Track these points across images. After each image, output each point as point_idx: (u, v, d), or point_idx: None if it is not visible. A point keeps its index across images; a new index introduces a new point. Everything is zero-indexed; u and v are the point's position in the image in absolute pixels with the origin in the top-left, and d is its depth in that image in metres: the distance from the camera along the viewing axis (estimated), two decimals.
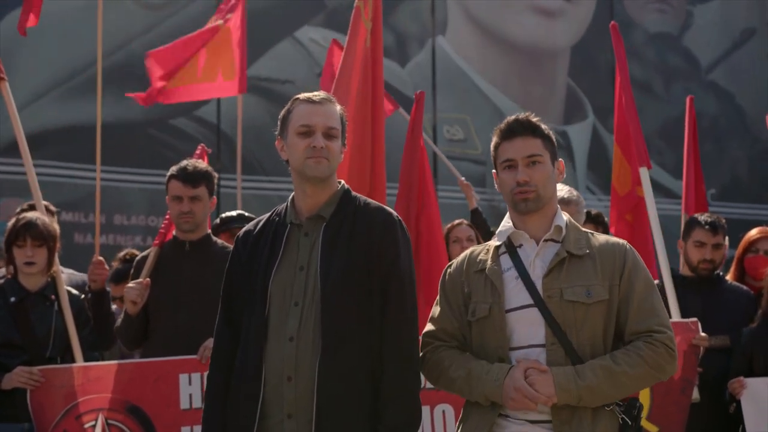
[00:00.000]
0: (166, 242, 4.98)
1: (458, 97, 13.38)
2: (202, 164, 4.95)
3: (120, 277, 6.01)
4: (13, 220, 4.86)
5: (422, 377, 3.42)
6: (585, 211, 5.05)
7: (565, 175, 3.40)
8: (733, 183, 14.77)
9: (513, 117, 3.36)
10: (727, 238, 5.52)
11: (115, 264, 6.29)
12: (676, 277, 5.36)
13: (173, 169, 4.87)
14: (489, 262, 3.30)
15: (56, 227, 4.96)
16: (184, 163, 4.89)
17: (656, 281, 5.11)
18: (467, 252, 3.45)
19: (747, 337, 5.13)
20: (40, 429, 4.62)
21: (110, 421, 4.62)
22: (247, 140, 12.72)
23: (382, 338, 3.24)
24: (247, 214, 6.00)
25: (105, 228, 11.08)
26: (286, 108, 3.42)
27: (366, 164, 5.33)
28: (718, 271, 5.44)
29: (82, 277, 5.32)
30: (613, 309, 3.20)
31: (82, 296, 5.05)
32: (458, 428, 3.35)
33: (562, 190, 4.56)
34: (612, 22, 6.03)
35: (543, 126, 3.34)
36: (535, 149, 3.30)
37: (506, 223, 3.35)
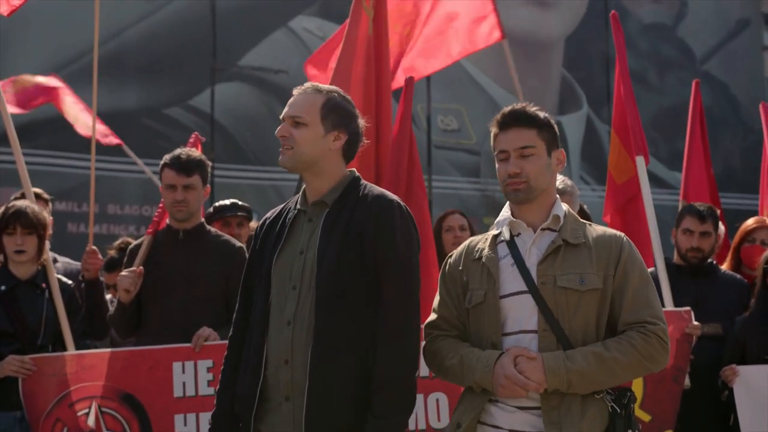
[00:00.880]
0: (159, 231, 4.97)
1: (452, 88, 13.36)
2: (196, 153, 4.95)
3: (114, 265, 6.00)
4: (2, 209, 4.85)
5: (420, 363, 3.41)
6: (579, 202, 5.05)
7: (564, 165, 3.39)
8: (727, 173, 14.79)
9: (509, 107, 3.36)
10: (721, 227, 5.53)
11: (111, 253, 6.29)
12: (670, 266, 5.37)
13: (167, 158, 4.86)
14: (486, 250, 3.32)
15: (46, 215, 4.95)
16: (177, 151, 4.88)
17: (651, 269, 5.13)
18: (467, 242, 3.47)
19: (740, 325, 5.15)
20: (32, 417, 4.61)
21: (104, 409, 4.62)
22: (241, 130, 12.73)
23: (378, 325, 3.24)
24: (240, 203, 6.00)
25: (99, 217, 11.06)
26: None
27: (371, 153, 5.36)
28: (711, 260, 5.46)
29: (77, 266, 5.31)
30: (606, 299, 3.21)
31: (72, 284, 5.04)
32: (454, 411, 3.37)
33: (557, 180, 4.56)
34: (612, 12, 6.04)
35: (541, 115, 3.34)
36: (527, 140, 3.30)
37: (505, 212, 3.38)
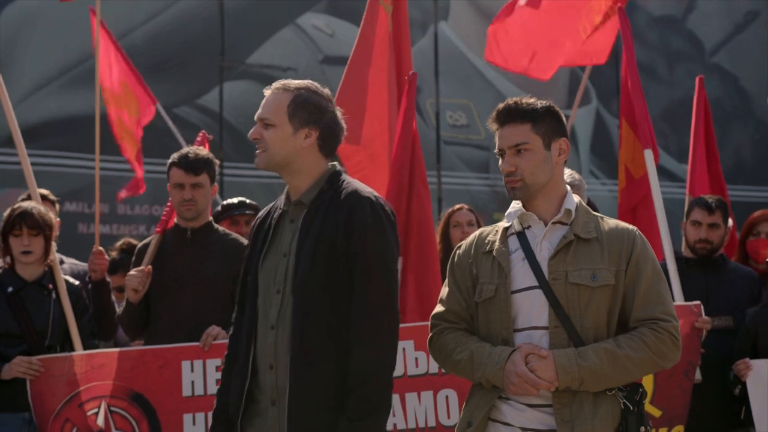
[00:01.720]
0: (167, 230, 4.97)
1: (461, 83, 13.31)
2: (204, 151, 4.94)
3: (116, 267, 5.99)
4: (8, 210, 4.85)
5: (393, 361, 3.29)
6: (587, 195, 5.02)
7: (568, 155, 3.33)
8: (737, 166, 14.72)
9: (503, 104, 3.32)
10: (730, 220, 5.49)
11: (114, 254, 6.28)
12: (680, 258, 5.34)
13: (174, 157, 4.85)
14: (497, 243, 3.29)
15: (53, 216, 4.95)
16: (185, 150, 4.87)
17: (660, 262, 5.11)
18: (476, 233, 3.43)
19: (751, 317, 5.12)
20: (41, 418, 4.61)
21: (113, 409, 4.62)
22: (249, 128, 12.69)
23: (351, 323, 3.20)
24: (249, 201, 5.99)
25: (108, 218, 11.07)
26: None
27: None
28: (720, 252, 5.43)
29: (84, 267, 5.31)
30: (618, 295, 3.18)
31: (79, 285, 5.04)
32: (464, 408, 3.35)
33: (564, 174, 4.53)
34: (619, 5, 6.00)
35: (538, 106, 3.28)
36: (520, 137, 3.26)
37: (516, 204, 3.34)
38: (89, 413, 4.61)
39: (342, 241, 3.22)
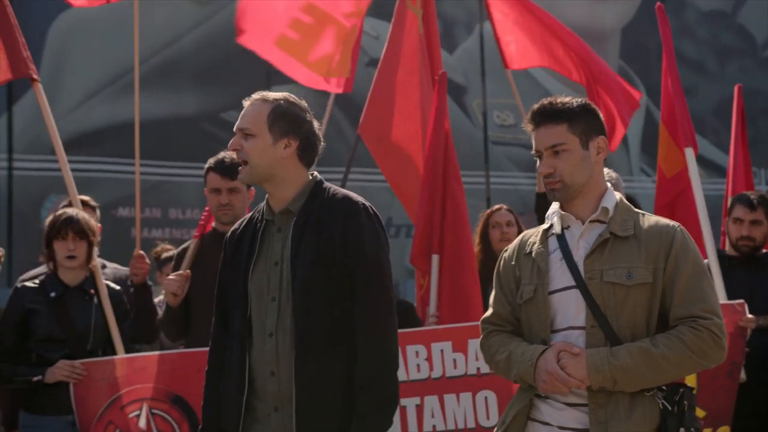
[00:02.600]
0: (206, 234, 5.02)
1: (507, 82, 13.24)
2: None
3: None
4: (51, 216, 4.95)
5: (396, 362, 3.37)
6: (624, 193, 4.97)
7: (607, 153, 3.28)
8: None
9: (538, 104, 3.29)
10: None
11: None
12: (722, 257, 5.28)
13: (211, 162, 4.91)
14: (537, 244, 3.28)
15: (94, 222, 5.04)
16: (221, 155, 4.92)
17: (705, 260, 5.05)
18: (521, 235, 3.43)
19: None
20: (84, 421, 4.69)
21: (154, 411, 4.69)
22: None
23: (356, 324, 3.27)
24: None
25: (161, 222, 11.22)
26: None
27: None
28: (765, 250, 5.35)
29: (126, 271, 5.39)
30: (657, 293, 3.13)
31: (120, 289, 5.11)
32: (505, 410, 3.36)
33: None
34: (658, 3, 5.94)
35: (574, 105, 3.24)
36: (557, 138, 3.22)
37: (555, 205, 3.32)
38: (131, 415, 4.69)
39: (339, 247, 3.29)
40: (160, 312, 5.08)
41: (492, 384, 4.61)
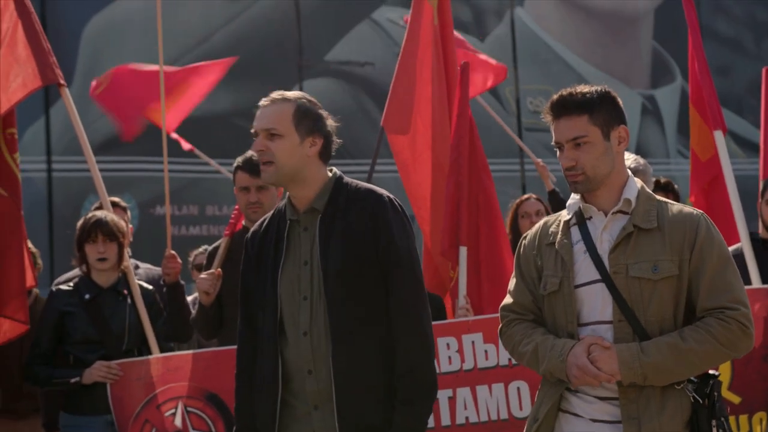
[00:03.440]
0: (236, 232, 5.05)
1: (540, 68, 13.17)
2: None
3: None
4: (82, 220, 5.02)
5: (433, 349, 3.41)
6: (654, 179, 4.94)
7: (628, 142, 3.25)
8: None
9: (557, 95, 3.24)
10: None
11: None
12: (756, 240, 5.20)
13: (239, 160, 4.94)
14: (559, 235, 3.25)
15: (124, 224, 5.10)
16: (249, 153, 4.93)
17: (738, 245, 4.99)
18: (540, 223, 3.39)
19: None
20: (121, 420, 4.77)
21: (189, 409, 4.75)
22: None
23: (391, 319, 3.29)
24: None
25: (198, 219, 11.30)
26: None
27: (447, 143, 5.37)
28: None
29: (158, 271, 5.45)
30: (683, 285, 3.11)
31: (153, 289, 5.17)
32: (535, 403, 3.34)
33: (628, 159, 4.44)
34: None
35: (594, 95, 3.19)
36: (578, 130, 3.18)
37: (575, 195, 3.28)
38: (167, 414, 4.75)
39: (368, 242, 3.30)
40: (194, 311, 5.12)
41: (524, 374, 4.58)
